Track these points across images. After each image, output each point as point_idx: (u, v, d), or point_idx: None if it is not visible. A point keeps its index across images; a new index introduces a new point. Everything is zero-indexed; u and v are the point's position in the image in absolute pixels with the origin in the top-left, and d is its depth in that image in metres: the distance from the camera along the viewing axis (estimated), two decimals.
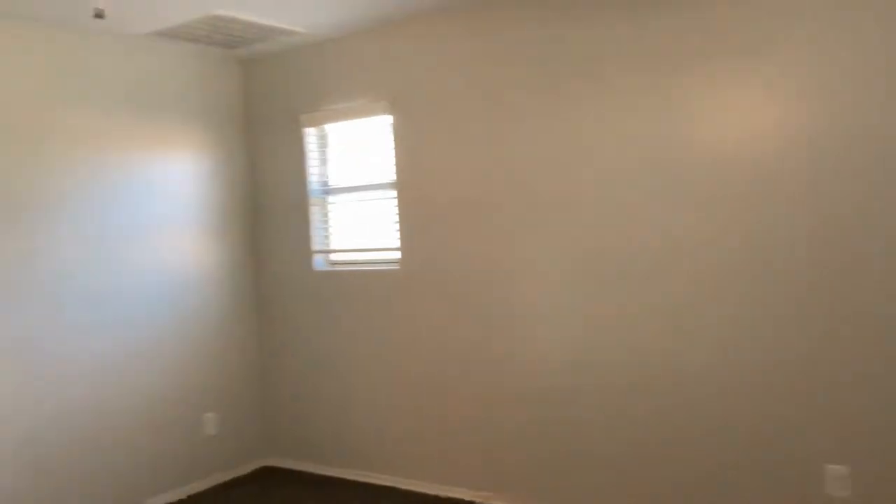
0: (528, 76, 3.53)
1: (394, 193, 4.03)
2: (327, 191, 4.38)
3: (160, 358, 4.06)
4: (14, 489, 3.42)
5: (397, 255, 4.05)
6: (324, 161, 4.39)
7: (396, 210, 4.01)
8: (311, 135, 4.36)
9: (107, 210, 3.84)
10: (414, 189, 3.94)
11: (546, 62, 3.48)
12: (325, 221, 4.39)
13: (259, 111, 4.54)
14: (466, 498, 3.83)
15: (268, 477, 4.40)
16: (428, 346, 3.95)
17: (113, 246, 3.86)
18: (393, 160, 4.00)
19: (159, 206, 4.09)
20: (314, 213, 4.37)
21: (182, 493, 4.12)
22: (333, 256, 4.40)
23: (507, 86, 3.60)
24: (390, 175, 4.05)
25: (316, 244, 4.37)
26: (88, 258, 3.75)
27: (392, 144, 3.99)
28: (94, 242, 3.78)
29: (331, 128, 4.34)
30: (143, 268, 4.00)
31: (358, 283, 4.19)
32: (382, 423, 4.14)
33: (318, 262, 4.38)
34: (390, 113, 3.98)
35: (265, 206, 4.56)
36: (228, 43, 4.12)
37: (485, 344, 3.75)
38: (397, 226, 4.02)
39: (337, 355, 4.30)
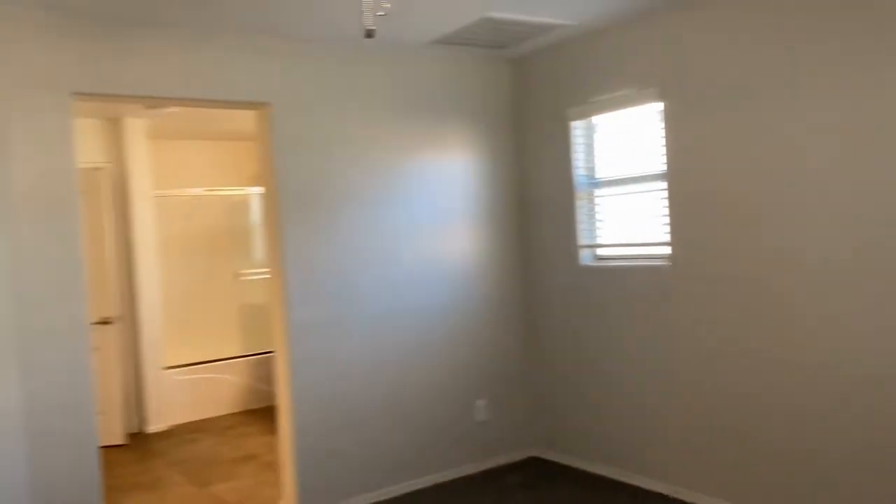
0: (826, 54, 3.11)
1: (663, 185, 3.84)
2: (594, 184, 4.32)
3: (436, 344, 4.34)
4: (334, 448, 3.91)
5: (667, 249, 3.85)
6: (590, 154, 4.34)
7: (666, 202, 3.81)
8: (577, 128, 4.33)
9: (391, 207, 4.20)
10: (685, 180, 3.72)
11: (852, 36, 3.04)
12: (592, 215, 4.33)
13: (526, 108, 4.63)
14: None
15: (535, 468, 4.48)
16: (700, 346, 3.70)
17: (398, 238, 4.21)
18: (663, 150, 3.81)
19: (434, 203, 4.37)
20: (581, 207, 4.33)
21: (453, 474, 4.37)
22: (600, 251, 4.32)
23: (797, 67, 3.21)
24: (660, 166, 3.87)
25: (582, 239, 4.33)
26: (381, 249, 4.14)
27: (662, 133, 3.80)
28: (386, 234, 4.16)
29: (598, 120, 4.27)
30: (423, 260, 4.30)
31: (625, 278, 4.07)
32: (651, 426, 3.98)
33: (585, 256, 4.34)
34: (660, 100, 3.79)
35: (532, 202, 4.63)
36: (499, 43, 4.25)
37: (761, 348, 3.41)
38: (667, 219, 3.82)
39: (603, 351, 4.22)
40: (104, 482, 4.47)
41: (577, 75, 4.27)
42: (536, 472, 4.41)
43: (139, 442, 5.61)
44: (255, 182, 7.17)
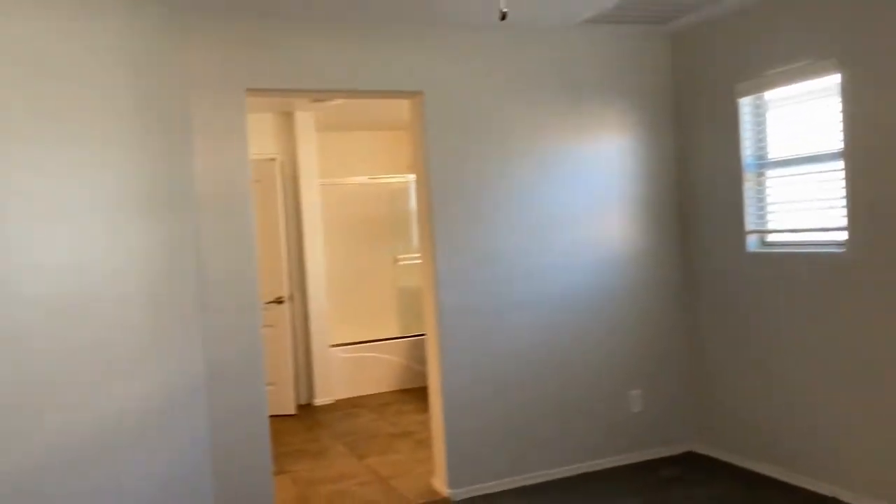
0: None
1: (840, 165, 3.50)
2: (763, 165, 4.02)
3: (590, 331, 4.27)
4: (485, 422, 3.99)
5: (843, 235, 3.52)
6: (759, 133, 4.04)
7: (843, 184, 3.47)
8: (745, 105, 4.05)
9: (543, 192, 4.17)
10: (866, 159, 3.36)
11: None
12: (761, 199, 4.04)
13: (687, 85, 4.39)
14: None
15: (691, 462, 4.29)
16: (878, 340, 3.35)
17: (551, 223, 4.18)
18: (840, 127, 3.47)
19: (589, 187, 4.28)
20: (748, 189, 4.06)
21: (604, 464, 4.28)
22: (769, 237, 4.03)
23: None
24: (837, 144, 3.52)
25: (750, 223, 4.05)
26: (533, 234, 4.13)
27: (840, 108, 3.46)
28: (538, 220, 4.15)
29: (768, 96, 3.97)
30: (577, 245, 4.24)
31: (795, 266, 3.76)
32: (818, 424, 3.67)
33: (752, 242, 4.06)
34: (839, 72, 3.45)
35: (694, 184, 4.40)
36: (657, 18, 4.07)
37: None
38: (844, 202, 3.48)
39: (769, 343, 3.94)
40: (275, 448, 4.85)
41: (744, 48, 3.99)
42: (692, 466, 4.21)
43: (307, 413, 6.01)
44: (412, 170, 7.42)
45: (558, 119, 4.21)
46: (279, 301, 5.88)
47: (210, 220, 3.54)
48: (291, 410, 5.93)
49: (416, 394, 6.44)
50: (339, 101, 5.70)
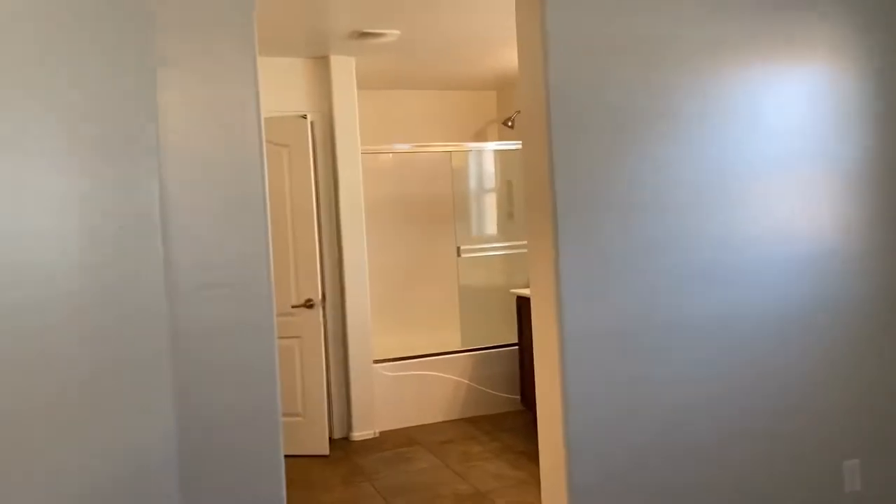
0: None
1: None
2: None
3: (779, 369, 2.74)
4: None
5: None
6: None
7: None
8: None
9: (713, 158, 2.65)
10: None
11: None
12: None
13: None
14: None
15: None
16: None
17: (715, 209, 2.66)
18: None
19: (771, 142, 2.75)
20: None
21: None
22: None
23: None
24: None
25: None
26: (698, 218, 2.62)
27: None
28: (697, 202, 2.64)
29: None
30: (755, 241, 2.72)
31: None
32: None
33: None
34: None
35: None
36: None
37: None
38: None
39: None
40: None
41: None
42: None
43: (343, 452, 4.58)
44: (482, 137, 5.92)
45: (738, 35, 2.68)
46: (308, 305, 4.44)
47: (190, 191, 2.08)
48: (323, 450, 4.49)
49: (484, 425, 4.97)
50: (390, 38, 4.22)
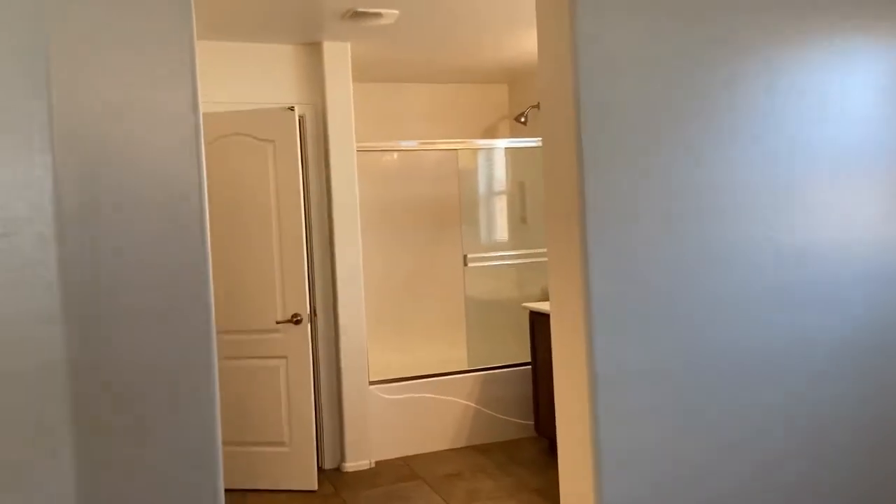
0: None
1: None
2: None
3: (874, 419, 2.21)
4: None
5: None
6: None
7: None
8: None
9: (778, 150, 2.13)
10: None
11: None
12: None
13: None
14: None
15: None
16: None
17: (786, 209, 2.14)
18: None
19: (847, 133, 2.23)
20: None
21: None
22: None
23: None
24: None
25: None
26: (756, 231, 2.10)
27: None
28: (765, 203, 2.12)
29: None
30: (842, 248, 2.19)
31: None
32: None
33: None
34: None
35: None
36: None
37: None
38: None
39: None
40: None
41: None
42: None
43: (332, 488, 4.06)
44: (492, 135, 5.42)
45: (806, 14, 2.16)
46: (296, 320, 3.93)
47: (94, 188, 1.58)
48: (311, 484, 3.98)
49: (495, 455, 4.45)
50: (386, 19, 3.71)
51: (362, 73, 4.93)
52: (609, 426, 2.01)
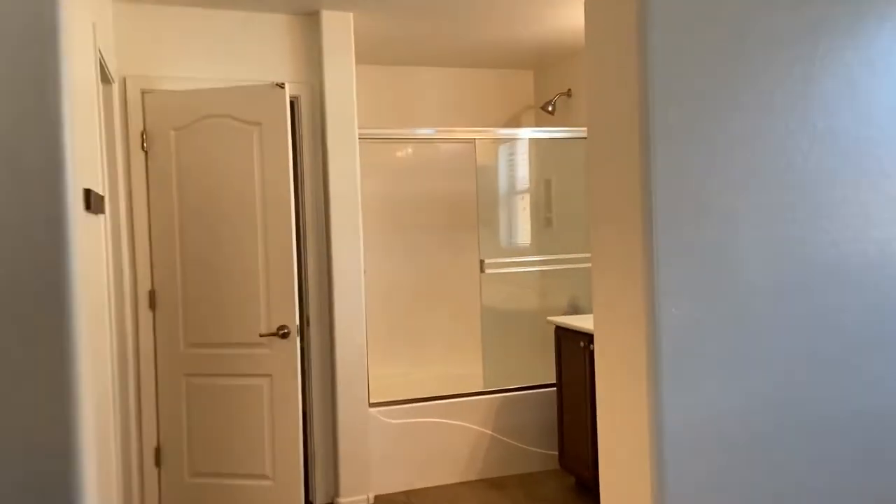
0: None
1: None
2: None
3: None
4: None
5: None
6: None
7: None
8: None
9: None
10: None
11: None
12: None
13: None
14: None
15: None
16: None
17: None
18: None
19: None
20: None
21: None
22: None
23: None
24: None
25: None
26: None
27: None
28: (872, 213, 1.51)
29: None
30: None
31: None
32: None
33: None
34: None
35: None
36: None
37: None
38: None
39: None
40: None
41: None
42: None
43: None
44: (514, 125, 4.85)
45: None
46: (282, 333, 3.36)
47: None
48: None
49: (513, 491, 3.85)
50: None
51: (366, 55, 4.38)
52: (676, 492, 1.42)
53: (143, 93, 3.49)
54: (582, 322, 3.64)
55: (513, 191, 4.80)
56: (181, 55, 3.56)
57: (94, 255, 2.30)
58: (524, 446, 4.09)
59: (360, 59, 4.14)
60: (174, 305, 3.49)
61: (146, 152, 3.50)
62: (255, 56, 3.67)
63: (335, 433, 3.76)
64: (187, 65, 3.56)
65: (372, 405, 3.86)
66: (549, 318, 3.93)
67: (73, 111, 1.64)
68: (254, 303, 3.39)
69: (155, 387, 3.52)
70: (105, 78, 3.21)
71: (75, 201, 1.68)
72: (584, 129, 4.27)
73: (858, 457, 1.58)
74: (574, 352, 3.65)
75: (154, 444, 3.52)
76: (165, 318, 3.51)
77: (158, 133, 3.48)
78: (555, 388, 3.95)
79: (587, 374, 3.50)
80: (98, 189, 2.43)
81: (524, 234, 4.80)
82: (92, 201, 2.15)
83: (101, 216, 2.42)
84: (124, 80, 3.46)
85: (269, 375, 3.41)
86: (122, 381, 3.30)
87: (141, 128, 3.48)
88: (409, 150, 4.84)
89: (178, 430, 3.50)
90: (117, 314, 3.30)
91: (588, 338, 3.49)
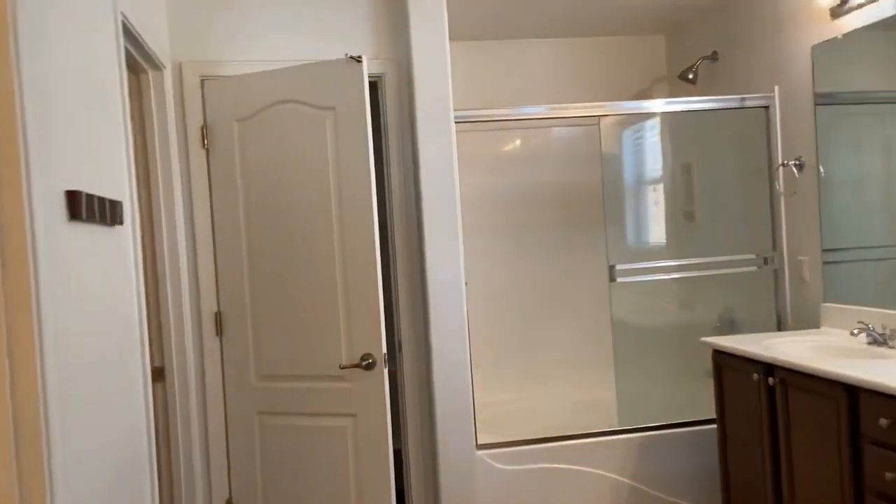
0: None
1: None
2: None
3: None
4: None
5: None
6: None
7: None
8: None
9: None
10: None
11: None
12: None
13: None
14: None
15: None
16: None
17: None
18: None
19: None
20: None
21: None
22: None
23: None
24: None
25: None
26: None
27: None
28: None
29: None
30: None
31: None
32: None
33: None
34: None
35: None
36: None
37: None
38: None
39: None
40: None
41: None
42: None
43: None
44: (647, 94, 4.07)
45: None
46: (367, 364, 2.72)
47: None
48: None
49: None
50: None
51: (460, 30, 3.72)
52: None
53: (203, 80, 2.97)
54: (752, 345, 2.79)
55: (641, 181, 3.99)
56: (243, 35, 3.02)
57: (100, 274, 1.73)
58: (674, 500, 3.26)
59: (454, 35, 3.47)
60: (243, 330, 2.94)
61: (207, 150, 2.97)
62: (329, 30, 3.08)
63: (436, 482, 3.09)
64: (251, 46, 3.02)
65: (480, 447, 3.17)
66: (704, 339, 3.08)
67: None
68: (332, 327, 2.77)
69: (225, 428, 2.98)
70: (152, 64, 2.70)
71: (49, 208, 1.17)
72: (741, 95, 3.43)
73: None
74: (742, 383, 2.81)
75: (226, 496, 2.98)
76: (234, 346, 2.96)
77: (221, 127, 2.94)
78: (715, 426, 3.10)
79: (766, 412, 2.65)
80: (114, 195, 1.88)
81: (657, 233, 3.97)
82: (84, 208, 1.58)
83: (116, 227, 1.85)
84: (180, 66, 2.94)
85: (353, 415, 2.78)
86: (184, 427, 2.78)
87: (201, 121, 2.96)
88: (516, 136, 4.12)
89: (251, 479, 2.95)
90: (177, 344, 2.78)
91: (764, 367, 2.65)
